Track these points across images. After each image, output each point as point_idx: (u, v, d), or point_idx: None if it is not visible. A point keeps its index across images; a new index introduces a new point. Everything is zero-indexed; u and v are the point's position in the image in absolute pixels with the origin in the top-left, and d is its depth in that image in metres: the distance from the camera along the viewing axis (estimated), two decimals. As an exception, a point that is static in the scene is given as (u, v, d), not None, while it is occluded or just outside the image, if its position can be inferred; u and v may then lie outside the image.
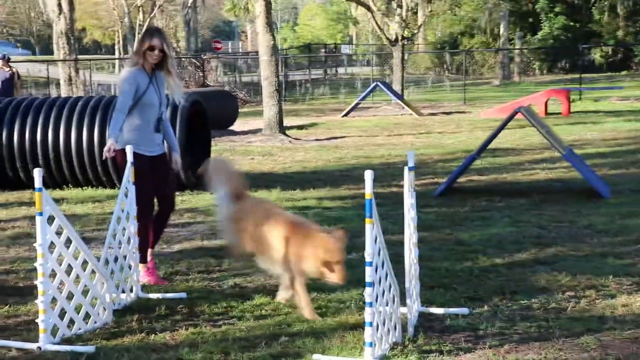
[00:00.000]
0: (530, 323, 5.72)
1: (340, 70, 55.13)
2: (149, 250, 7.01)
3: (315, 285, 6.75)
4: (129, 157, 6.54)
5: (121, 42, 53.85)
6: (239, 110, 24.52)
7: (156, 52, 6.80)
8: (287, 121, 22.43)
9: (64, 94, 26.46)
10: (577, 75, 36.80)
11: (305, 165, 14.98)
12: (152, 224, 7.01)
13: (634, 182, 11.75)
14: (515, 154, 15.48)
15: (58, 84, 29.48)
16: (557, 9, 48.59)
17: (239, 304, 6.30)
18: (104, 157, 6.68)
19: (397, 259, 6.26)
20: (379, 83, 28.12)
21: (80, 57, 31.77)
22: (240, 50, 71.81)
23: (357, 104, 27.51)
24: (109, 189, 11.73)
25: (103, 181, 11.89)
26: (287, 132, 20.51)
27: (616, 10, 48.32)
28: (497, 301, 6.26)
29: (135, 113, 6.83)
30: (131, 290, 6.49)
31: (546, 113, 23.67)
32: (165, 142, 7.14)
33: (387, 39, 31.03)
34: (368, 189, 4.94)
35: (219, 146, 17.77)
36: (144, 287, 6.74)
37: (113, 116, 6.80)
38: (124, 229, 6.42)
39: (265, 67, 20.01)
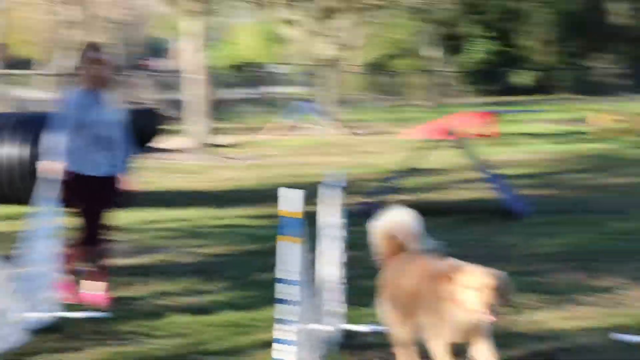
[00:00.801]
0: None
1: (272, 89, 55.19)
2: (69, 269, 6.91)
3: (240, 304, 6.75)
4: (59, 174, 6.46)
5: (42, 58, 52.98)
6: (168, 127, 24.35)
7: (100, 66, 6.74)
8: (217, 139, 22.35)
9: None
10: (502, 98, 37.56)
11: (234, 183, 14.95)
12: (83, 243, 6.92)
13: (554, 203, 12.03)
14: (441, 174, 15.69)
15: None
16: (483, 33, 49.56)
17: (158, 323, 6.25)
18: (55, 177, 6.49)
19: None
20: (310, 103, 28.23)
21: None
22: (170, 68, 71.35)
23: (288, 123, 27.57)
24: (27, 206, 11.51)
25: (22, 198, 11.65)
26: (217, 150, 20.44)
27: (540, 36, 49.51)
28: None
29: (76, 132, 6.70)
30: (49, 310, 6.37)
31: (472, 135, 24.05)
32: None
33: (320, 59, 31.24)
34: (296, 208, 4.97)
35: (147, 164, 17.60)
36: (65, 306, 6.63)
37: (53, 137, 6.63)
38: (44, 247, 6.32)
39: (194, 85, 19.95)
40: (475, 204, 12.06)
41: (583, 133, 24.34)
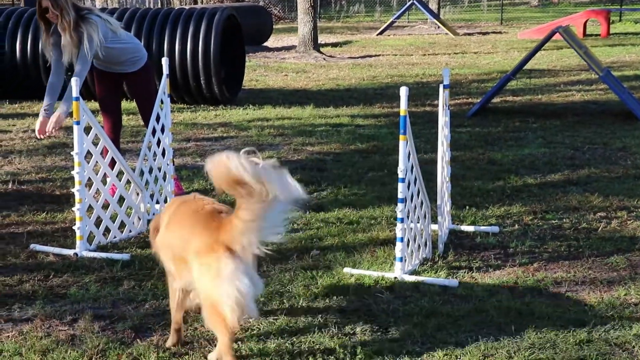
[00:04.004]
0: (561, 242, 5.75)
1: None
2: None
3: (346, 201, 6.82)
4: (165, 70, 6.56)
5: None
6: (273, 26, 24.33)
7: (49, 14, 6.26)
8: (322, 38, 22.24)
9: (98, 5, 26.37)
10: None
11: (338, 82, 14.91)
12: None
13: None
14: (551, 75, 15.27)
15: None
16: None
17: (271, 218, 6.37)
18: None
19: (429, 177, 6.27)
20: (415, 1, 27.69)
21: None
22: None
23: (392, 22, 27.17)
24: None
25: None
26: (322, 49, 20.36)
27: None
28: (528, 220, 6.28)
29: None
30: (165, 201, 6.58)
31: (584, 34, 23.25)
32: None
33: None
34: (403, 105, 4.93)
35: (253, 62, 17.72)
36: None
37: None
38: (159, 140, 6.49)
39: (299, -17, 19.76)
40: (588, 106, 11.74)
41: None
